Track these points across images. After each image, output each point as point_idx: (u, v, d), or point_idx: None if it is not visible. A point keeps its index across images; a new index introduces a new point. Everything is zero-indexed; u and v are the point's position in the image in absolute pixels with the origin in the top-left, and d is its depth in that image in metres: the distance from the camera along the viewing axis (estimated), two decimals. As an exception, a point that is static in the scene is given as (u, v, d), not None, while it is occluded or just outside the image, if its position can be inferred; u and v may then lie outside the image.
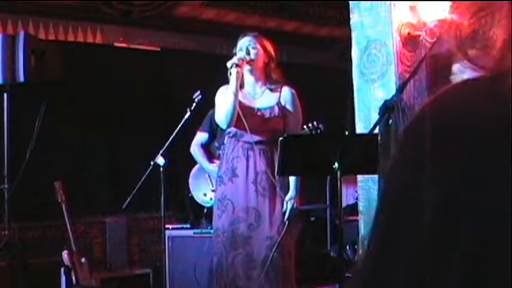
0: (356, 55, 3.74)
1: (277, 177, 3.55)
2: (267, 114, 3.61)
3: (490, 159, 0.55)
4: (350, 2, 3.77)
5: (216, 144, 4.58)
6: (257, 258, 3.51)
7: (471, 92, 0.60)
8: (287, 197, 3.58)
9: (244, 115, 3.53)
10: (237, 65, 3.49)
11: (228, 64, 3.51)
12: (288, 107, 3.65)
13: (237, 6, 6.01)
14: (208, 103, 3.85)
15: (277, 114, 3.62)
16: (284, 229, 3.52)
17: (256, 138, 3.57)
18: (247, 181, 3.58)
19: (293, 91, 3.69)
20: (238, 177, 3.60)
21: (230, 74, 3.51)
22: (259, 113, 3.62)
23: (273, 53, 3.67)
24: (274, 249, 3.46)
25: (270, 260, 3.45)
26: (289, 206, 3.57)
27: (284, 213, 3.56)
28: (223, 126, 3.62)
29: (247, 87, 3.68)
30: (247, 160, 3.59)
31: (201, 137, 4.56)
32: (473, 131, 0.57)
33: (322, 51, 6.96)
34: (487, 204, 0.54)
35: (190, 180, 4.94)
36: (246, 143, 3.59)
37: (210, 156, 4.62)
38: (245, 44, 3.61)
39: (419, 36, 3.57)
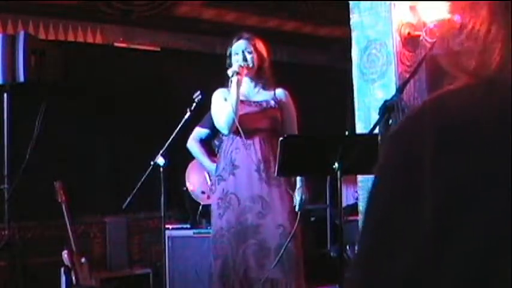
0: (356, 55, 3.74)
1: None
2: (264, 105, 3.68)
3: (490, 160, 0.55)
4: (350, 2, 3.77)
5: (216, 142, 4.56)
6: (270, 247, 3.49)
7: (466, 96, 0.60)
8: (296, 189, 3.61)
9: (240, 109, 3.57)
10: (237, 73, 3.54)
11: (229, 73, 3.56)
12: (284, 100, 3.74)
13: (237, 6, 6.01)
14: (208, 103, 3.85)
15: (273, 106, 3.68)
16: (298, 219, 3.53)
17: (255, 126, 3.60)
18: (250, 170, 3.58)
19: (286, 92, 3.78)
20: (239, 168, 3.60)
21: (231, 81, 3.55)
22: (255, 104, 3.68)
23: (266, 54, 3.73)
24: (289, 239, 3.46)
25: (285, 249, 3.45)
26: (299, 196, 3.58)
27: (294, 204, 3.58)
28: (225, 132, 3.64)
29: (244, 87, 3.71)
30: (247, 149, 3.60)
31: (200, 132, 4.48)
32: (471, 131, 0.57)
33: (322, 51, 6.96)
34: (489, 205, 0.54)
35: (188, 175, 4.90)
36: (246, 133, 3.60)
37: (211, 153, 4.58)
38: (241, 47, 3.67)
39: (419, 36, 3.57)
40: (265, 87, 3.74)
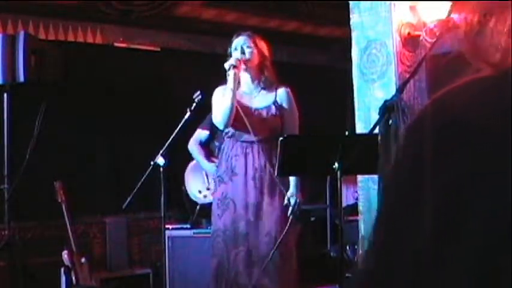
0: (356, 55, 3.74)
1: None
2: (264, 114, 3.64)
3: (497, 156, 0.55)
4: (350, 2, 3.77)
5: (216, 143, 4.57)
6: (258, 255, 3.51)
7: (476, 91, 0.61)
8: (289, 193, 3.59)
9: (242, 115, 3.55)
10: (234, 67, 3.53)
11: (226, 66, 3.55)
12: (285, 105, 3.69)
13: (237, 6, 6.01)
14: (208, 103, 3.85)
15: (274, 113, 3.65)
16: (288, 224, 3.53)
17: (255, 137, 3.58)
18: (247, 178, 3.59)
19: (288, 90, 3.74)
20: (237, 175, 3.61)
21: (228, 75, 3.55)
22: (256, 113, 3.64)
23: (266, 51, 3.71)
24: (275, 247, 3.46)
25: (271, 257, 3.45)
26: (292, 201, 3.57)
27: (286, 209, 3.57)
28: (221, 127, 3.65)
29: (244, 86, 3.71)
30: (246, 157, 3.61)
31: (201, 134, 4.55)
32: (480, 128, 0.57)
33: (322, 51, 6.96)
34: (494, 201, 0.54)
35: (187, 175, 4.93)
36: (245, 142, 3.61)
37: (210, 154, 4.61)
38: (240, 43, 3.65)
39: (419, 36, 3.57)
40: (266, 88, 3.70)
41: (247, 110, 3.62)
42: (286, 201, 3.58)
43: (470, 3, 0.65)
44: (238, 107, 3.57)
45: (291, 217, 3.55)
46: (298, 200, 3.58)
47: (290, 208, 3.57)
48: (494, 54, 0.62)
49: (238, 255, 3.55)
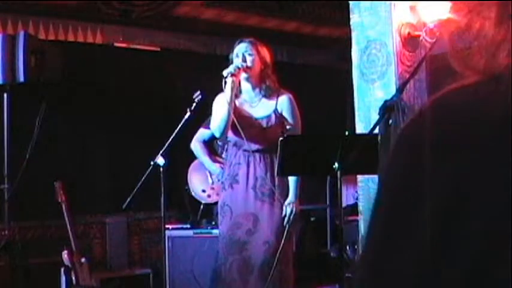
0: (356, 55, 3.74)
1: (276, 183, 3.57)
2: (264, 124, 3.62)
3: (495, 157, 0.55)
4: (350, 2, 3.77)
5: (219, 142, 4.55)
6: (254, 263, 3.52)
7: (473, 92, 0.60)
8: (286, 202, 3.59)
9: (242, 126, 3.52)
10: (232, 74, 3.48)
11: (224, 73, 3.50)
12: (285, 114, 3.66)
13: (237, 6, 6.00)
14: (208, 103, 3.85)
15: (274, 123, 3.63)
16: (285, 234, 3.53)
17: (255, 147, 3.59)
18: (247, 187, 3.60)
19: (290, 97, 3.69)
20: (238, 183, 3.63)
21: (225, 83, 3.49)
22: (257, 123, 3.62)
23: (268, 59, 3.66)
24: (277, 256, 3.46)
25: (269, 265, 3.46)
26: (289, 210, 3.57)
27: (283, 217, 3.57)
28: (217, 135, 3.65)
29: (244, 94, 3.68)
30: (248, 166, 3.62)
31: (204, 133, 4.48)
32: (478, 128, 0.57)
33: (322, 51, 6.96)
34: (493, 202, 0.54)
35: (190, 174, 4.92)
36: (246, 151, 3.61)
37: (213, 153, 4.58)
38: (241, 50, 3.60)
39: (419, 36, 3.57)
40: (267, 95, 3.66)
41: (247, 119, 3.61)
42: (284, 211, 3.58)
43: (461, 2, 0.63)
44: (235, 116, 3.54)
45: (287, 226, 3.55)
46: (294, 210, 3.58)
47: (286, 217, 3.57)
48: (478, 61, 0.59)
49: (233, 263, 3.56)
